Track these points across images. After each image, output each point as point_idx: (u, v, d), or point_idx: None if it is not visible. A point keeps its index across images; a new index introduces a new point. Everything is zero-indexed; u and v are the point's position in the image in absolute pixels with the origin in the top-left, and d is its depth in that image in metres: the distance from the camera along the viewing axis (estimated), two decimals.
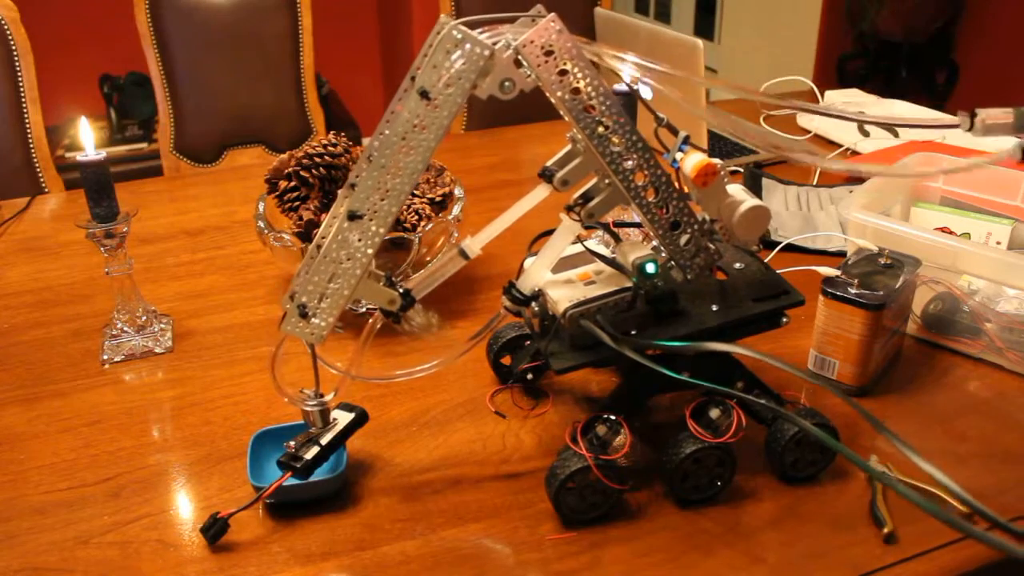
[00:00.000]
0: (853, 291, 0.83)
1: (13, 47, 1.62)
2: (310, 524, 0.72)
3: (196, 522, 0.72)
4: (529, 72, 0.64)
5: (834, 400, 0.85)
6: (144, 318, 0.98)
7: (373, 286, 0.69)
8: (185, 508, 0.75)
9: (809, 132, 1.58)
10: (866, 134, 1.53)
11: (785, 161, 1.47)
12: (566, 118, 0.66)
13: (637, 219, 0.72)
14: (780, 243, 1.13)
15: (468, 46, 0.61)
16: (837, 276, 0.85)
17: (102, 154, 0.90)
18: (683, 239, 0.71)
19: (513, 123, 1.72)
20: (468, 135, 1.86)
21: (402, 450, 0.80)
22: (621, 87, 0.81)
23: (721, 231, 0.74)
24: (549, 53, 0.63)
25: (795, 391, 0.87)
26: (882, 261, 0.87)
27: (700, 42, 1.30)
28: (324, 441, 0.72)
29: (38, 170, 1.68)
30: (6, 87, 1.63)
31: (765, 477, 0.76)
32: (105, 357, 0.96)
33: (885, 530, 0.69)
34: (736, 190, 0.74)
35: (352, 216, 0.65)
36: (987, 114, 0.62)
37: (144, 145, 2.94)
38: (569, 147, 0.70)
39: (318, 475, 0.72)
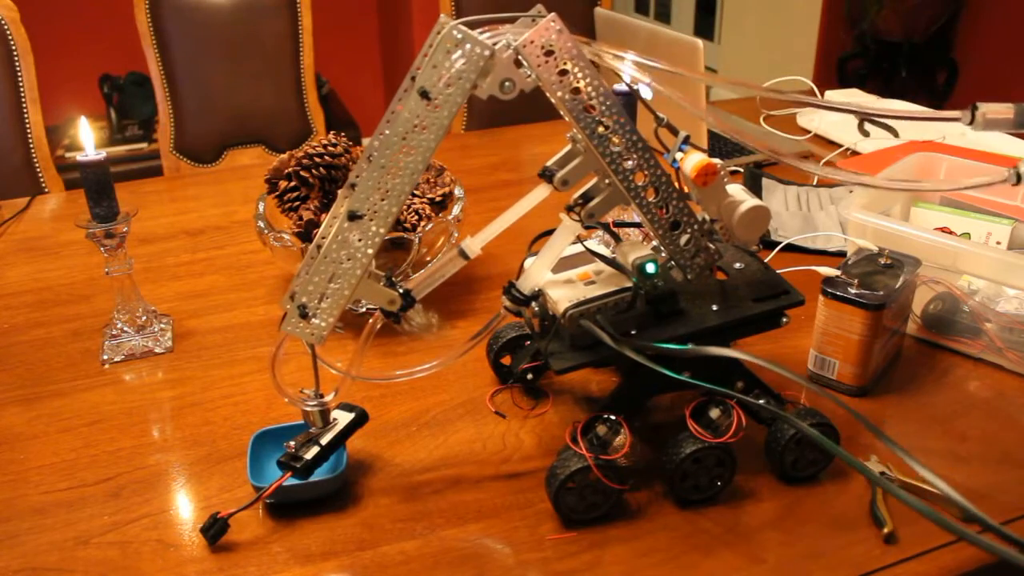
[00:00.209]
0: (853, 291, 0.83)
1: (13, 47, 1.62)
2: (310, 524, 0.72)
3: (196, 522, 0.72)
4: (529, 72, 0.64)
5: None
6: (144, 318, 0.98)
7: (373, 286, 0.69)
8: (185, 508, 0.75)
9: (809, 132, 1.58)
10: (866, 134, 1.53)
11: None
12: (566, 118, 0.66)
13: (637, 219, 0.72)
14: (780, 243, 1.13)
15: (468, 46, 0.61)
16: (837, 276, 0.85)
17: (102, 154, 0.90)
18: (683, 239, 0.71)
19: (513, 123, 1.72)
20: (468, 135, 1.86)
21: (402, 450, 0.80)
22: (621, 87, 0.81)
23: (721, 231, 0.74)
24: (549, 53, 0.63)
25: (795, 391, 0.86)
26: (882, 261, 0.87)
27: (700, 42, 1.30)
28: (324, 441, 0.72)
29: (38, 170, 1.68)
30: (6, 87, 1.63)
31: (765, 477, 0.76)
32: (105, 357, 0.96)
33: (885, 530, 0.69)
34: (736, 190, 0.74)
35: (352, 216, 0.65)
36: (988, 108, 0.62)
37: (144, 145, 2.94)
38: (569, 147, 0.70)
39: (318, 475, 0.72)
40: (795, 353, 0.92)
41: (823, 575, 0.67)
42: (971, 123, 0.63)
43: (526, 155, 1.59)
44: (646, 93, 0.72)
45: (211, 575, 0.67)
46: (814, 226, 1.21)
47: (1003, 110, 0.62)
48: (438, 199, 1.06)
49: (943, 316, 0.93)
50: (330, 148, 1.03)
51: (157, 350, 0.97)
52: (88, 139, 0.91)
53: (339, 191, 0.72)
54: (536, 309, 0.73)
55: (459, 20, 0.61)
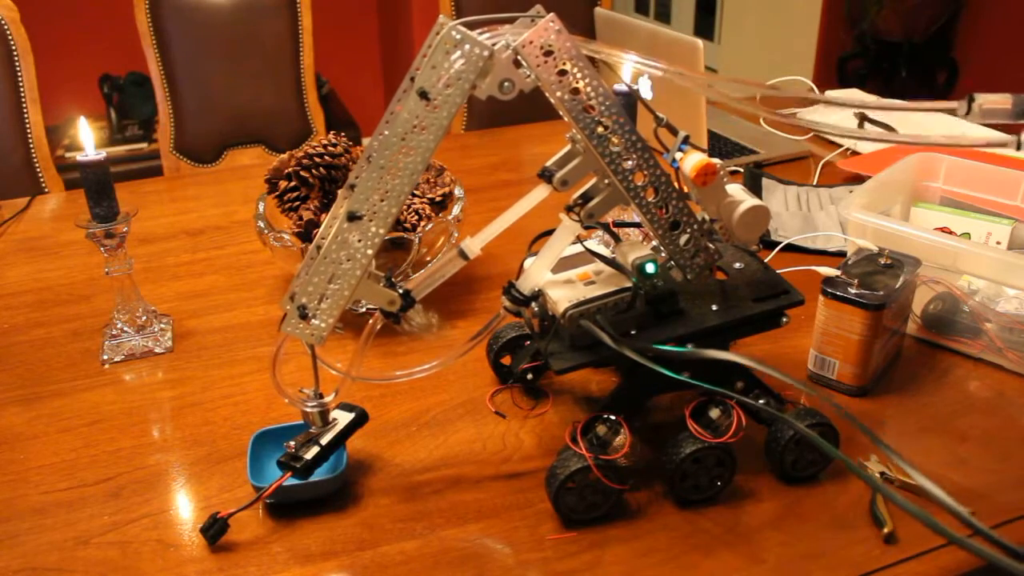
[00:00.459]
0: (853, 291, 0.83)
1: (13, 47, 1.62)
2: (310, 524, 0.72)
3: (196, 522, 0.72)
4: (528, 72, 0.64)
5: (834, 399, 0.85)
6: (144, 318, 0.98)
7: (373, 287, 0.69)
8: (185, 508, 0.75)
9: (809, 132, 1.58)
10: None
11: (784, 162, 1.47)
12: (565, 118, 0.66)
13: (637, 219, 0.72)
14: (780, 243, 1.13)
15: (467, 46, 0.61)
16: (837, 276, 0.85)
17: (102, 154, 0.90)
18: (683, 239, 0.71)
19: (513, 123, 1.72)
20: (468, 135, 1.86)
21: (402, 450, 0.80)
22: (621, 87, 0.81)
23: (721, 231, 0.74)
24: (548, 53, 0.63)
25: (796, 390, 0.86)
26: (882, 261, 0.87)
27: (700, 42, 1.30)
28: (324, 441, 0.72)
29: (38, 170, 1.68)
30: (6, 87, 1.63)
31: (765, 477, 0.76)
32: (105, 357, 0.96)
33: (885, 530, 0.69)
34: (736, 190, 0.74)
35: (352, 217, 0.65)
36: (985, 99, 0.62)
37: (144, 145, 2.94)
38: (569, 147, 0.70)
39: (318, 475, 0.72)
40: (795, 353, 0.92)
41: (823, 575, 0.67)
42: (967, 114, 0.62)
43: (526, 155, 1.58)
44: (646, 92, 0.72)
45: (211, 575, 0.67)
46: (814, 226, 1.21)
47: (1000, 100, 0.62)
48: (438, 199, 1.06)
49: (943, 316, 0.93)
50: (330, 148, 1.03)
51: (157, 350, 0.97)
52: (88, 139, 0.91)
53: (339, 191, 0.72)
54: (536, 309, 0.73)
55: (458, 21, 0.61)
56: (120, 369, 0.95)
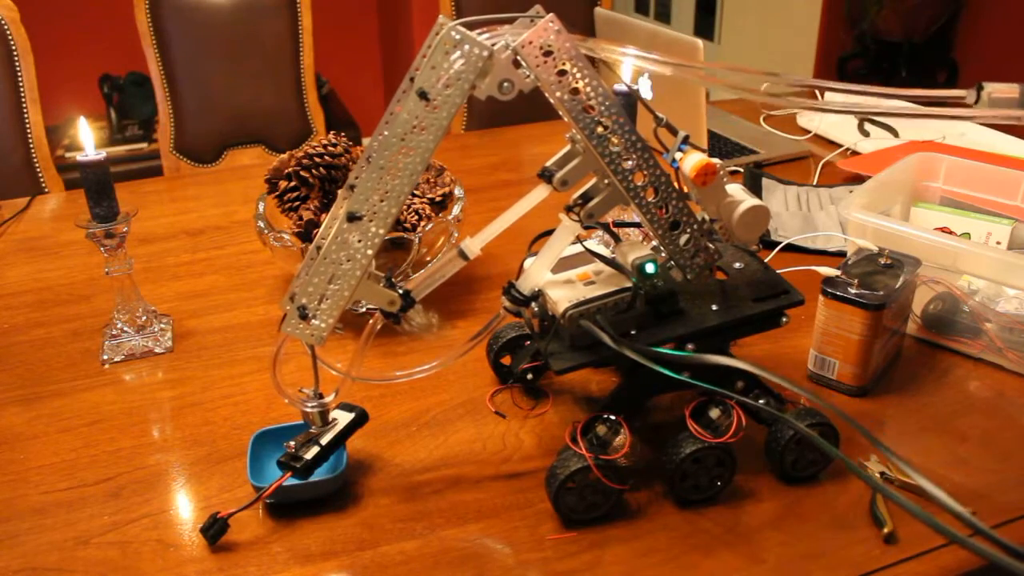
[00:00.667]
0: (853, 291, 0.83)
1: (13, 47, 1.62)
2: (310, 524, 0.72)
3: (196, 522, 0.72)
4: (528, 72, 0.64)
5: (834, 399, 0.85)
6: (144, 318, 0.98)
7: (373, 287, 0.69)
8: (185, 508, 0.75)
9: (809, 132, 1.58)
10: (866, 134, 1.53)
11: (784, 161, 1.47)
12: (565, 118, 0.66)
13: (637, 219, 0.72)
14: (780, 243, 1.13)
15: (467, 47, 0.61)
16: (837, 276, 0.85)
17: (102, 154, 0.90)
18: (683, 239, 0.71)
19: (513, 123, 1.72)
20: (468, 135, 1.86)
21: (402, 450, 0.80)
22: (621, 87, 0.81)
23: (721, 231, 0.74)
24: (548, 53, 0.63)
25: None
26: (882, 261, 0.87)
27: (700, 42, 1.30)
28: (324, 441, 0.72)
29: (38, 170, 1.68)
30: (6, 87, 1.63)
31: (765, 477, 0.76)
32: (105, 357, 0.96)
33: (885, 530, 0.69)
34: (736, 190, 0.74)
35: (352, 217, 0.65)
36: (993, 88, 0.62)
37: (144, 145, 2.94)
38: (568, 147, 0.70)
39: (318, 475, 0.72)
40: (795, 353, 0.92)
41: (823, 575, 0.67)
42: (976, 102, 0.62)
43: (526, 155, 1.58)
44: (646, 92, 0.72)
45: (211, 575, 0.67)
46: (814, 226, 1.21)
47: (1008, 90, 0.62)
48: (438, 199, 1.06)
49: (943, 316, 0.93)
50: (330, 148, 1.03)
51: (157, 350, 0.97)
52: (88, 139, 0.91)
53: (339, 191, 0.72)
54: (536, 309, 0.73)
55: (457, 21, 0.61)
56: (120, 369, 0.95)
